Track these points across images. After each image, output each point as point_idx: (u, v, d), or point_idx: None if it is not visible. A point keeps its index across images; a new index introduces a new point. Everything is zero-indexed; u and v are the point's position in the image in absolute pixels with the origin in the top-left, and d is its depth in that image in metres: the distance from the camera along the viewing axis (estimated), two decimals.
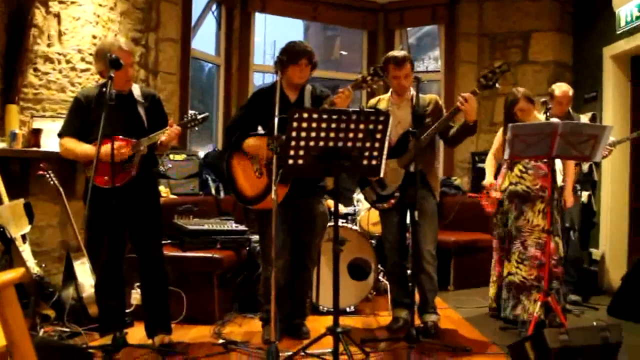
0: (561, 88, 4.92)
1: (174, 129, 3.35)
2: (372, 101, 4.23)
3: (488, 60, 6.70)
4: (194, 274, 4.24)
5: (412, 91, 4.04)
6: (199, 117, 3.49)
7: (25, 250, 3.96)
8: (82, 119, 3.39)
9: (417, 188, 3.60)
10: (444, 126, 3.87)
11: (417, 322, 3.85)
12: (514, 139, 3.56)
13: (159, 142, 3.39)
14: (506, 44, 6.69)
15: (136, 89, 3.52)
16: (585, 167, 4.89)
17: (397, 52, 4.04)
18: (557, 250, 4.13)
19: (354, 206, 5.31)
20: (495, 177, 4.48)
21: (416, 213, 3.54)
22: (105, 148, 3.13)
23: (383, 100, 4.14)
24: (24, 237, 3.97)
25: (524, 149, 3.60)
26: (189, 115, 3.51)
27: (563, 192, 4.37)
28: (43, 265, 4.20)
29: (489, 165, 4.55)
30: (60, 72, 4.56)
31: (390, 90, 4.12)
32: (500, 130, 4.52)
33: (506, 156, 3.72)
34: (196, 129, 3.59)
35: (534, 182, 4.14)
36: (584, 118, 5.35)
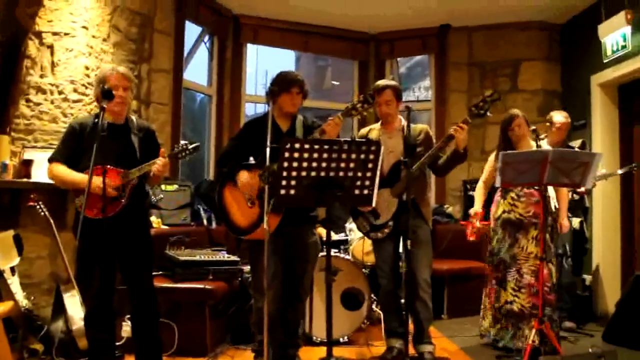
0: (561, 115, 4.99)
1: (162, 160, 3.34)
2: (363, 131, 4.26)
3: (478, 88, 6.76)
4: (186, 305, 4.20)
5: (403, 121, 4.08)
6: (190, 147, 3.48)
7: (14, 283, 3.92)
8: (74, 146, 3.39)
9: (409, 217, 3.60)
10: (436, 155, 3.89)
11: (412, 351, 3.82)
12: (505, 166, 3.57)
13: (151, 173, 3.39)
14: (496, 73, 6.76)
15: (132, 120, 3.53)
16: (582, 190, 4.91)
17: (381, 81, 4.13)
18: (551, 277, 4.12)
19: (346, 235, 5.29)
20: (489, 205, 4.48)
21: (409, 242, 3.53)
22: (96, 180, 3.12)
23: (374, 130, 4.17)
24: (12, 269, 3.93)
25: (515, 177, 3.62)
26: (180, 145, 3.50)
27: (557, 218, 4.37)
28: (32, 297, 4.15)
29: (478, 194, 4.55)
30: (52, 102, 4.57)
31: (380, 121, 4.17)
32: (492, 156, 4.52)
33: (497, 184, 3.75)
34: (187, 159, 3.59)
35: (526, 209, 4.15)
36: (574, 145, 5.40)
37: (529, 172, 3.57)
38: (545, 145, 4.64)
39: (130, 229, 3.42)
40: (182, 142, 3.52)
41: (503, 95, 6.45)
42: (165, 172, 3.43)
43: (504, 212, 4.24)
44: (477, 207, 4.45)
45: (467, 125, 3.74)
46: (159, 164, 3.33)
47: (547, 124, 5.02)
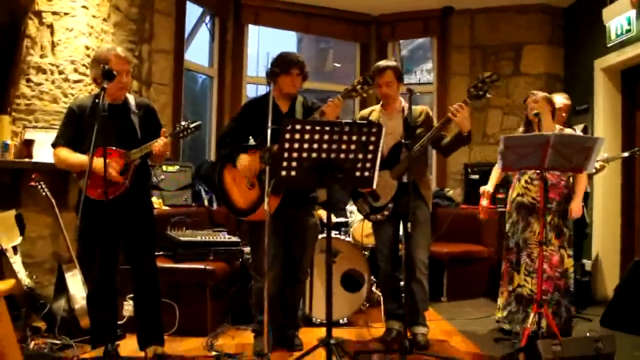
0: (562, 97, 4.98)
1: (163, 139, 3.34)
2: (364, 112, 4.25)
3: (480, 72, 6.69)
4: (187, 285, 4.23)
5: (404, 102, 4.07)
6: (191, 126, 3.48)
7: (16, 262, 3.94)
8: (75, 129, 3.39)
9: (410, 199, 3.60)
10: (436, 137, 3.88)
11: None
12: (506, 150, 3.56)
13: (152, 153, 3.39)
14: (498, 56, 6.74)
15: (130, 99, 3.51)
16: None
17: (382, 62, 4.10)
18: (562, 263, 4.09)
19: (347, 218, 5.31)
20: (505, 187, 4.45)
21: (409, 225, 3.54)
22: (98, 161, 3.12)
23: (375, 112, 4.16)
24: (15, 248, 3.96)
25: (517, 161, 3.61)
26: (181, 124, 3.50)
27: (572, 202, 4.27)
28: (34, 277, 4.18)
29: (493, 175, 4.47)
30: (53, 82, 4.56)
31: (381, 102, 4.15)
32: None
33: (499, 168, 3.73)
34: (189, 138, 3.59)
35: (539, 193, 4.12)
36: (577, 130, 5.39)
37: (530, 156, 3.56)
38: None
39: (133, 211, 3.44)
40: (183, 122, 3.53)
41: (505, 78, 6.45)
42: (166, 152, 3.43)
43: (518, 195, 4.24)
44: (489, 186, 4.38)
45: (467, 105, 3.69)
46: (159, 143, 3.33)
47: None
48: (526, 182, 4.21)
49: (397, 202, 3.97)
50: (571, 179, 4.23)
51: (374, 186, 3.10)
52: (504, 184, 4.49)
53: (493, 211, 4.41)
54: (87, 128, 3.29)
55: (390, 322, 4.17)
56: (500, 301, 4.37)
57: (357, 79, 3.56)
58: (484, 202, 4.31)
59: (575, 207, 4.21)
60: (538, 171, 4.04)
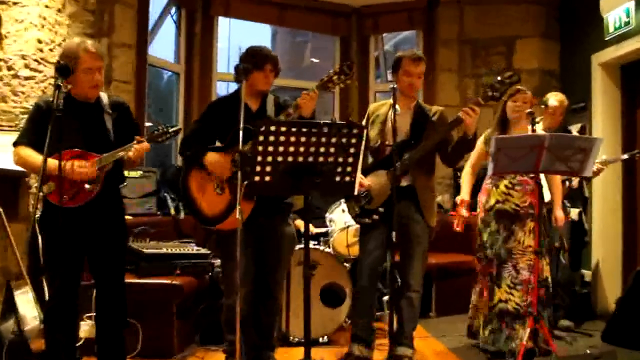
0: (557, 97, 5.01)
1: (142, 145, 3.30)
2: (374, 106, 4.22)
3: (470, 68, 6.79)
4: (151, 302, 4.18)
5: (420, 100, 4.08)
6: (171, 130, 3.46)
7: None
8: (41, 127, 3.31)
9: (403, 206, 3.58)
10: (440, 139, 3.85)
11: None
12: (498, 152, 3.58)
13: (125, 158, 3.34)
14: (489, 51, 6.78)
15: (104, 98, 3.45)
16: (575, 182, 4.96)
17: (411, 50, 4.10)
18: (542, 272, 4.13)
19: (326, 227, 5.29)
20: (476, 193, 4.49)
21: (393, 234, 3.51)
22: (66, 164, 3.08)
23: (385, 106, 4.13)
24: None
25: (509, 164, 3.63)
26: (160, 128, 3.47)
27: (553, 209, 4.39)
28: None
29: (465, 180, 4.53)
30: (0, 79, 4.49)
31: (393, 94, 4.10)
32: (481, 138, 4.45)
33: (490, 172, 3.74)
34: (166, 143, 3.58)
35: (522, 199, 4.15)
36: (573, 130, 5.44)
37: (524, 158, 3.59)
38: (539, 130, 4.66)
39: (103, 220, 3.38)
40: (161, 125, 3.50)
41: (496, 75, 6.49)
42: (141, 157, 3.41)
43: (497, 202, 4.23)
44: (464, 194, 4.43)
45: (479, 107, 3.68)
46: (136, 148, 3.28)
47: (543, 106, 5.05)
48: (507, 187, 4.21)
49: (390, 207, 3.91)
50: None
51: (356, 192, 3.09)
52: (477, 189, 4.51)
53: (474, 219, 4.43)
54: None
55: (352, 345, 4.04)
56: (478, 321, 4.34)
57: (334, 68, 3.56)
58: (463, 211, 4.33)
59: (560, 214, 4.31)
60: (521, 175, 4.10)
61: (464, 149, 3.90)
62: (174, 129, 3.47)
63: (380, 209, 3.91)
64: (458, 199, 4.44)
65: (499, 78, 3.68)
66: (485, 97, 3.69)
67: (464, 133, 3.78)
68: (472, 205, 4.53)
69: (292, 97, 3.93)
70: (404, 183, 3.87)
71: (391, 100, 4.08)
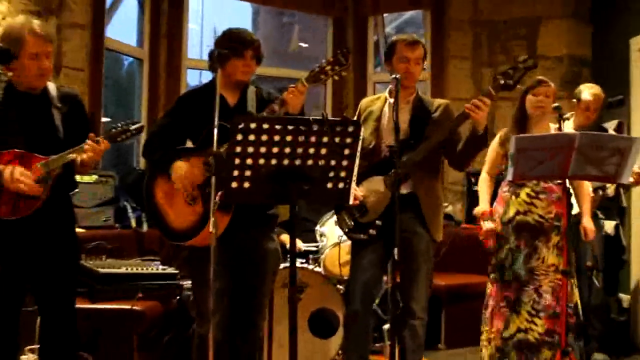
0: (591, 90, 5.01)
1: (99, 145, 3.29)
2: (367, 100, 4.21)
3: (486, 55, 6.82)
4: (107, 332, 4.19)
5: (418, 91, 4.08)
6: (132, 127, 3.46)
7: None
8: None
9: (405, 217, 3.58)
10: (445, 137, 3.84)
11: None
12: (519, 155, 3.57)
13: (78, 160, 3.33)
14: (508, 35, 6.81)
15: (52, 89, 3.44)
16: (610, 190, 4.97)
17: (405, 34, 4.08)
18: (572, 296, 4.13)
19: (316, 242, 5.29)
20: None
21: (395, 251, 3.50)
22: (6, 169, 3.08)
23: (379, 100, 4.12)
24: None
25: (532, 168, 3.63)
26: (119, 125, 3.47)
27: (581, 220, 4.40)
28: None
29: (482, 188, 4.52)
30: None
31: (389, 87, 4.11)
32: (496, 139, 4.48)
33: (509, 177, 3.73)
34: (126, 142, 3.57)
35: (547, 209, 4.15)
36: (609, 128, 5.45)
37: (550, 161, 3.58)
38: (569, 128, 4.68)
39: (49, 234, 3.37)
40: (121, 122, 3.49)
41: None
42: (98, 159, 3.40)
43: (517, 213, 4.22)
44: (484, 205, 4.41)
45: (491, 99, 3.65)
46: (90, 149, 3.27)
47: (574, 100, 5.06)
48: (529, 195, 4.21)
49: (387, 219, 3.91)
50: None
51: (351, 201, 3.09)
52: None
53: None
54: None
55: None
56: (486, 352, 4.34)
57: (327, 57, 3.56)
58: (488, 224, 4.29)
59: (589, 225, 4.31)
60: (546, 182, 4.10)
61: (474, 148, 3.86)
62: (135, 126, 3.46)
63: (378, 222, 3.90)
64: (477, 211, 4.41)
65: (513, 63, 3.68)
66: (496, 86, 3.66)
67: (472, 129, 3.75)
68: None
69: (276, 89, 3.94)
70: (403, 191, 3.84)
71: (385, 93, 4.10)
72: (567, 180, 3.82)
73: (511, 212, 4.26)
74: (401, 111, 3.87)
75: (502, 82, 3.67)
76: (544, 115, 4.27)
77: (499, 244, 4.32)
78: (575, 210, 4.37)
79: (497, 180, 4.47)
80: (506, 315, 4.22)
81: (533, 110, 4.30)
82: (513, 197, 4.27)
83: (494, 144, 4.46)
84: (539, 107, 4.27)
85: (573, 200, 4.33)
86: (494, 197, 4.49)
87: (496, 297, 4.31)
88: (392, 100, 3.88)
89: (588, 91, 5.02)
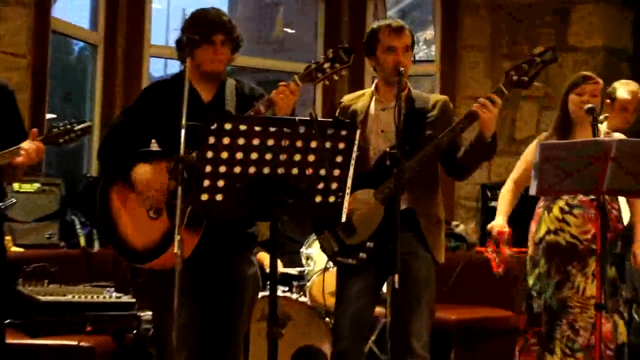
0: (628, 87, 5.03)
1: (33, 145, 3.29)
2: (348, 97, 4.20)
3: (507, 44, 6.84)
4: None
5: (411, 87, 4.06)
6: (77, 127, 3.46)
7: None
8: None
9: (401, 237, 3.57)
10: (447, 142, 3.84)
11: None
12: (544, 165, 3.58)
13: (9, 163, 3.33)
14: (533, 22, 6.83)
15: None
16: None
17: (389, 20, 4.11)
18: (616, 334, 4.13)
19: (301, 266, 5.29)
20: (522, 220, 4.47)
21: (396, 278, 3.50)
22: None
23: (364, 97, 4.12)
24: None
25: (559, 181, 3.62)
26: (62, 125, 3.46)
27: (634, 243, 4.35)
28: None
29: (503, 200, 4.50)
30: None
31: (375, 82, 4.12)
32: (533, 144, 4.42)
33: (532, 191, 3.73)
34: (70, 145, 3.56)
35: (583, 227, 4.13)
36: None
37: (581, 173, 3.59)
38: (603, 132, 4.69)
39: None
40: (64, 122, 3.49)
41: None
42: (33, 162, 3.39)
43: (548, 232, 4.24)
44: (500, 220, 4.35)
45: (502, 97, 3.65)
46: (27, 149, 3.26)
47: (608, 100, 5.09)
48: (562, 211, 4.22)
49: (381, 240, 3.91)
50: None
51: (344, 217, 3.09)
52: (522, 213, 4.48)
53: (516, 257, 4.42)
54: None
55: None
56: None
57: (328, 52, 3.55)
58: (504, 247, 4.26)
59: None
60: (584, 196, 4.09)
61: (478, 157, 3.86)
62: (80, 126, 3.46)
63: (369, 244, 3.87)
64: (493, 226, 4.31)
65: (528, 57, 3.70)
66: (508, 83, 3.67)
67: (479, 133, 3.71)
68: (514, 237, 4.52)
69: (261, 84, 3.93)
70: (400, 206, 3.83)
71: (372, 88, 4.10)
72: (602, 197, 3.83)
73: (542, 231, 4.27)
74: (390, 111, 3.87)
75: (515, 78, 3.67)
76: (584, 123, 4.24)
77: (529, 269, 4.32)
78: (625, 220, 4.34)
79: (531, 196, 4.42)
80: (538, 354, 4.22)
81: (578, 113, 4.27)
82: (546, 212, 4.29)
83: (530, 149, 4.43)
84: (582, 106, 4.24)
85: (624, 212, 4.32)
86: (524, 213, 4.47)
87: (525, 332, 4.32)
88: (378, 96, 3.94)
89: (624, 88, 5.04)
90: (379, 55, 3.94)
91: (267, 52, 13.94)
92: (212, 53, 3.67)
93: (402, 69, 3.67)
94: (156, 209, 3.59)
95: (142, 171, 3.58)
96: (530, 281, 4.31)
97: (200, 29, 3.64)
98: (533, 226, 4.37)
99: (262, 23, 15.21)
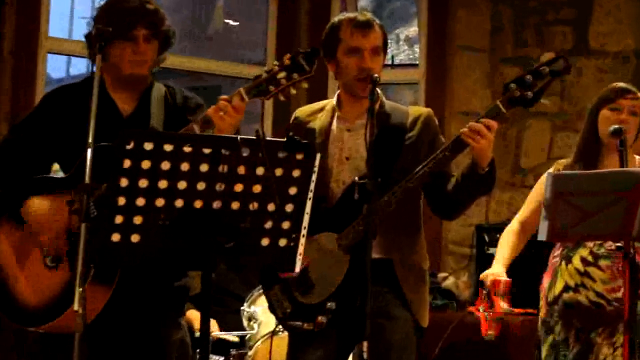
0: None
1: None
2: (304, 111, 4.18)
3: (511, 47, 6.91)
4: None
5: (384, 100, 4.02)
6: None
7: None
8: None
9: (372, 295, 3.58)
10: (435, 171, 3.83)
11: None
12: (557, 201, 3.60)
13: None
14: (545, 19, 6.91)
15: None
16: None
17: (352, 13, 4.11)
18: None
19: (243, 330, 5.29)
20: (535, 274, 4.49)
21: (364, 347, 3.50)
22: None
23: (324, 113, 4.11)
24: None
25: (577, 222, 3.66)
26: None
27: None
28: None
29: (505, 242, 4.53)
30: None
31: (337, 93, 4.12)
32: (546, 174, 4.41)
33: (542, 236, 3.74)
34: None
35: (612, 284, 4.15)
36: None
37: (604, 214, 3.62)
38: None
39: None
40: None
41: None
42: None
43: (566, 288, 4.27)
44: (498, 268, 4.33)
45: (498, 121, 3.65)
46: None
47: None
48: (584, 262, 4.25)
49: (346, 298, 3.91)
50: None
51: (299, 267, 3.10)
52: (529, 262, 4.50)
53: (520, 319, 4.45)
54: None
55: None
56: None
57: (284, 59, 3.55)
58: (501, 303, 4.24)
59: None
60: (612, 244, 4.11)
61: (472, 191, 3.83)
62: None
63: (330, 304, 3.84)
64: (487, 275, 4.27)
65: (535, 66, 3.67)
66: (510, 100, 3.64)
67: (471, 163, 3.71)
68: (515, 294, 4.54)
69: (196, 90, 3.94)
70: (372, 255, 3.73)
71: (334, 101, 4.08)
72: (632, 244, 3.85)
73: (558, 287, 4.29)
74: (357, 133, 3.90)
75: (516, 93, 3.62)
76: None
77: (542, 335, 4.34)
78: None
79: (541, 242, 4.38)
80: None
81: (601, 132, 4.27)
82: (563, 263, 4.30)
83: (542, 183, 4.32)
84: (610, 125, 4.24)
85: None
86: (533, 263, 4.49)
87: None
88: (341, 113, 3.95)
89: None
90: (340, 59, 3.90)
91: (204, 51, 13.95)
92: (133, 52, 3.68)
93: (376, 76, 3.60)
94: (54, 256, 3.57)
95: (37, 207, 3.58)
96: (544, 351, 4.33)
97: (116, 19, 3.65)
98: (546, 281, 4.40)
99: (197, 14, 15.26)
